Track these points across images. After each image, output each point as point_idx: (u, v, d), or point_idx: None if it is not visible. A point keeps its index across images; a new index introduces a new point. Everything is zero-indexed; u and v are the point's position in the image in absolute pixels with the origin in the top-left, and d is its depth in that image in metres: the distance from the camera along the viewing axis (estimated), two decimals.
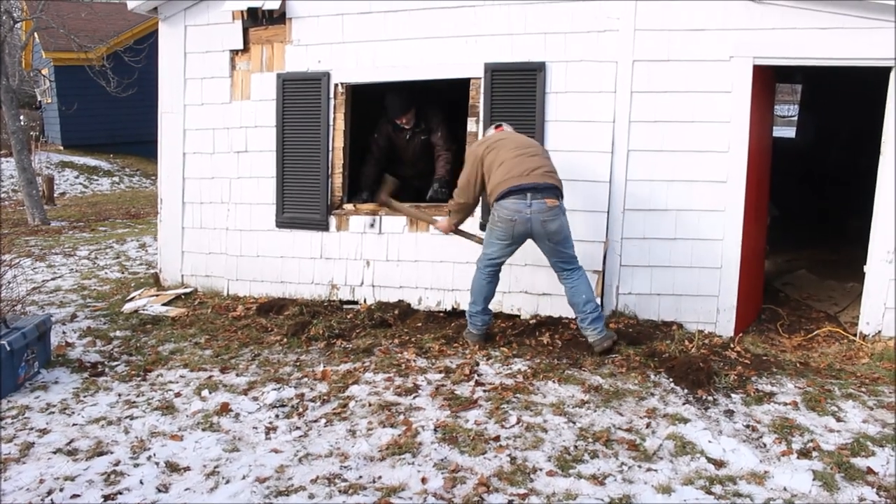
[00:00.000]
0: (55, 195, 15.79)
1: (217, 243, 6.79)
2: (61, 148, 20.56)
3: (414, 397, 4.43)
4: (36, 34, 17.15)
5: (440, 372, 4.80)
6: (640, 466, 3.60)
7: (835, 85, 9.99)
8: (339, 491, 3.42)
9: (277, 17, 6.33)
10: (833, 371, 4.85)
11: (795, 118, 15.61)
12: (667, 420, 4.06)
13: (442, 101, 6.69)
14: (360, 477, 3.54)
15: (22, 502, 3.40)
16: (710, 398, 4.34)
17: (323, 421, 4.16)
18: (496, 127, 5.41)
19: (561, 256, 5.02)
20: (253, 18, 6.40)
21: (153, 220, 12.02)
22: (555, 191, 4.92)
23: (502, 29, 5.74)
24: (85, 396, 4.62)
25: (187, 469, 3.68)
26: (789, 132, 14.74)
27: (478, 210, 5.89)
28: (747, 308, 5.74)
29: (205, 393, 4.59)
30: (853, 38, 5.05)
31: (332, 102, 6.26)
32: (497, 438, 3.86)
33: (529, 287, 5.81)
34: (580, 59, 5.59)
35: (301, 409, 4.32)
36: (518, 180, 4.86)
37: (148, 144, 14.33)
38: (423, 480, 3.48)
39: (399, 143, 6.66)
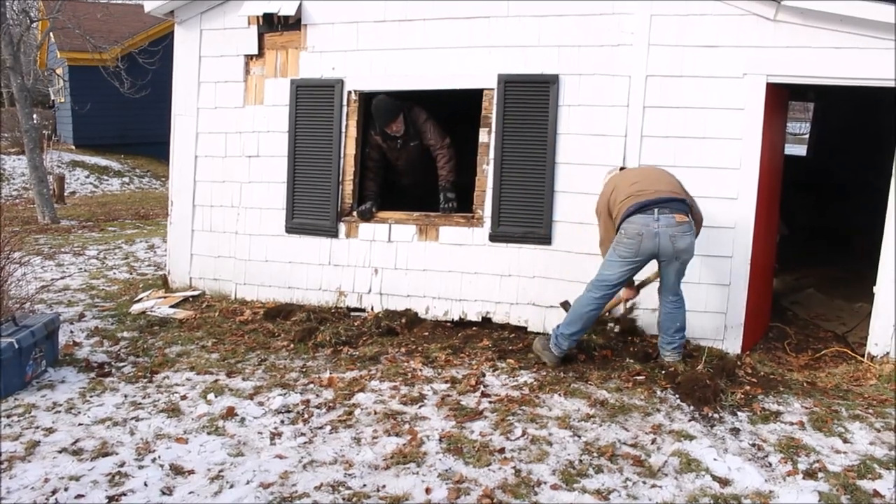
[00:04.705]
0: (65, 194, 15.86)
1: (226, 247, 6.81)
2: (73, 147, 20.67)
3: (419, 407, 4.43)
4: (52, 34, 17.25)
5: (446, 382, 4.80)
6: (644, 482, 3.58)
7: (847, 102, 9.97)
8: (343, 499, 3.42)
9: (293, 23, 6.37)
10: (840, 392, 4.83)
11: (807, 136, 15.58)
12: (672, 436, 4.05)
13: (437, 110, 6.54)
14: (365, 485, 3.54)
15: (26, 501, 3.41)
16: (716, 415, 4.32)
17: (328, 428, 4.16)
18: (620, 168, 5.30)
19: (678, 279, 4.86)
20: (268, 24, 6.44)
21: (162, 221, 12.09)
22: (683, 205, 4.74)
23: (516, 41, 5.76)
24: (91, 396, 4.63)
25: (192, 472, 3.68)
26: (800, 150, 14.70)
27: (487, 222, 5.90)
28: (755, 326, 5.72)
29: (211, 396, 4.60)
30: (866, 57, 5.04)
31: (344, 109, 6.28)
32: (502, 450, 3.85)
33: (537, 299, 5.81)
34: (593, 72, 5.60)
35: (306, 416, 4.33)
36: (642, 196, 4.70)
37: (159, 146, 14.44)
38: (428, 491, 3.48)
39: (391, 153, 6.51)
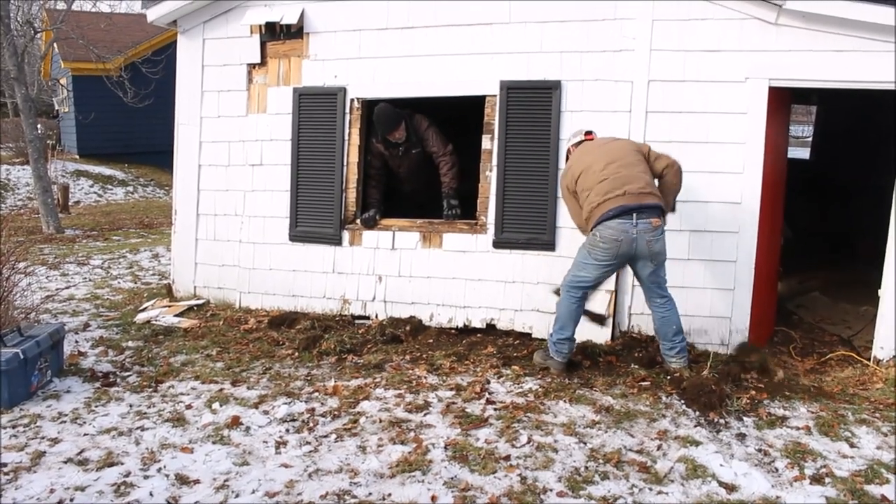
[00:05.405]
0: (70, 204, 15.89)
1: (230, 255, 6.81)
2: (77, 157, 20.73)
3: (424, 414, 4.42)
4: (55, 44, 17.35)
5: (451, 389, 4.80)
6: (650, 489, 3.57)
7: (849, 105, 9.95)
8: None
9: (295, 32, 6.39)
10: (846, 396, 4.81)
11: (810, 139, 15.58)
12: (678, 442, 4.03)
13: (439, 116, 6.56)
14: (370, 494, 3.53)
15: None
16: (721, 421, 4.31)
17: (333, 436, 4.16)
18: (586, 134, 5.18)
19: (658, 281, 4.90)
20: (271, 33, 6.46)
21: (166, 230, 12.10)
22: (658, 210, 4.75)
23: (519, 47, 5.77)
24: (96, 406, 4.63)
25: (197, 482, 3.68)
26: (803, 153, 14.68)
27: (491, 228, 5.90)
28: (760, 330, 5.71)
29: (216, 406, 4.60)
30: (867, 60, 5.05)
31: (347, 117, 6.29)
32: (508, 458, 3.85)
33: (542, 305, 5.80)
34: (596, 78, 5.61)
35: (311, 424, 4.32)
36: (621, 200, 4.67)
37: (163, 155, 14.49)
38: (433, 499, 3.47)
39: (393, 161, 6.51)
